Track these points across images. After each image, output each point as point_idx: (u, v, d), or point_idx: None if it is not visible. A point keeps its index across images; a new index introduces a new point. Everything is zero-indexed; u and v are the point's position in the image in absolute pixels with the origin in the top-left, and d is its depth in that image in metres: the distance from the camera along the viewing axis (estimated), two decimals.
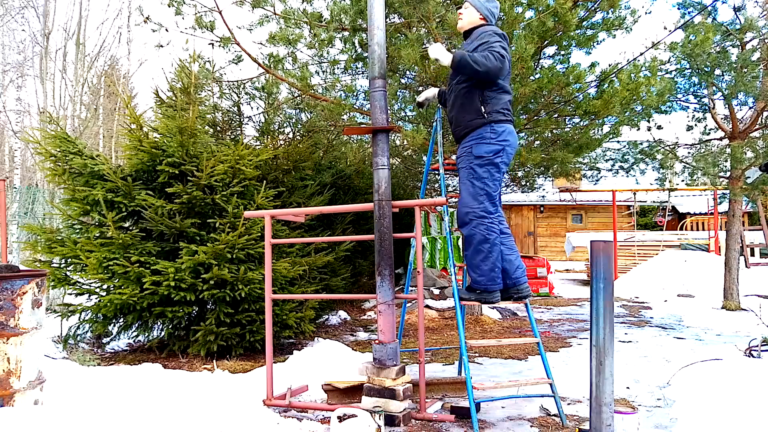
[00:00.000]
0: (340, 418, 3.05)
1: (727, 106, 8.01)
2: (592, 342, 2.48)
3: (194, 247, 5.06)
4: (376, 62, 3.41)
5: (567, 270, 18.10)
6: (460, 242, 9.78)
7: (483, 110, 3.42)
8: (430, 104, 4.13)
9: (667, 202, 18.72)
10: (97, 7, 49.40)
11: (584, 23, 6.37)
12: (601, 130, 7.09)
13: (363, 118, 7.95)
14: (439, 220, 13.07)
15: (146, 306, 5.05)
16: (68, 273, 5.36)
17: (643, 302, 9.79)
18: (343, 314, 8.03)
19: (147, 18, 6.90)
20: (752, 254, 13.96)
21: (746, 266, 12.07)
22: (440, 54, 3.43)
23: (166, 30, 7.02)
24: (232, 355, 5.27)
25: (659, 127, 8.69)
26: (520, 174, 10.41)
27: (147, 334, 5.54)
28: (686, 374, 4.17)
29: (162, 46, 7.22)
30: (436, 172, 4.27)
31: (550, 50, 6.86)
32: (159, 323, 5.51)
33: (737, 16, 7.66)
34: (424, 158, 7.56)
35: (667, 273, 11.35)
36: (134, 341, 6.05)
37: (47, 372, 3.42)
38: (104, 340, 5.76)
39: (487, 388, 3.40)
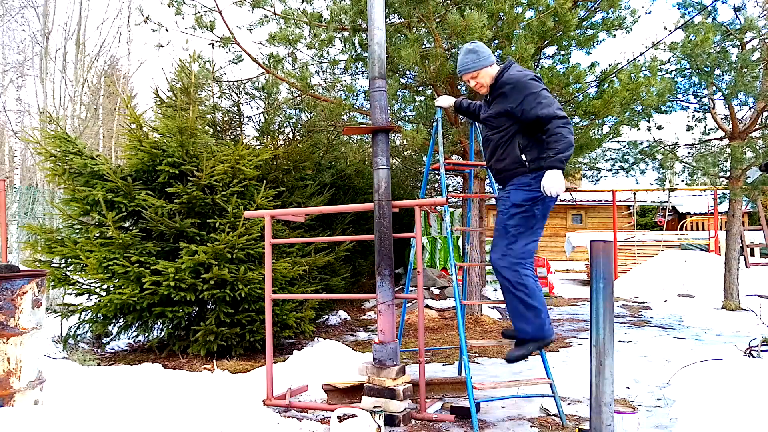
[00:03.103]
0: (340, 418, 3.05)
1: (727, 106, 8.01)
2: (592, 342, 2.48)
3: (194, 247, 5.06)
4: (376, 62, 3.41)
5: (567, 270, 18.09)
6: (460, 242, 9.80)
7: (524, 159, 3.22)
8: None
9: (667, 202, 18.72)
10: (97, 7, 49.38)
11: (584, 23, 6.37)
12: (601, 130, 7.09)
13: (363, 118, 7.95)
14: (439, 220, 13.09)
15: (146, 306, 5.05)
16: (68, 273, 5.36)
17: (643, 302, 9.78)
18: (343, 314, 8.03)
19: (147, 18, 6.90)
20: (752, 254, 13.96)
21: (746, 266, 12.07)
22: (559, 180, 3.06)
23: (166, 30, 7.02)
24: (232, 355, 5.27)
25: (659, 127, 8.69)
26: None
27: (147, 334, 5.54)
28: (686, 374, 4.17)
29: (162, 46, 7.21)
30: (436, 172, 4.27)
31: (550, 50, 6.86)
32: (159, 323, 5.50)
33: (737, 16, 7.66)
34: (424, 158, 7.56)
35: (667, 273, 11.34)
36: (134, 341, 6.05)
37: (47, 372, 3.42)
38: (104, 340, 5.76)
39: (487, 388, 3.40)
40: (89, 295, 5.35)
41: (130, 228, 5.67)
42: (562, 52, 6.90)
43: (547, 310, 3.32)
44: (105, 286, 5.27)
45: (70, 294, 5.55)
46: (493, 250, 3.32)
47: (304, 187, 7.10)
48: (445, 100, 3.96)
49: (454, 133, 6.62)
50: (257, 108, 8.38)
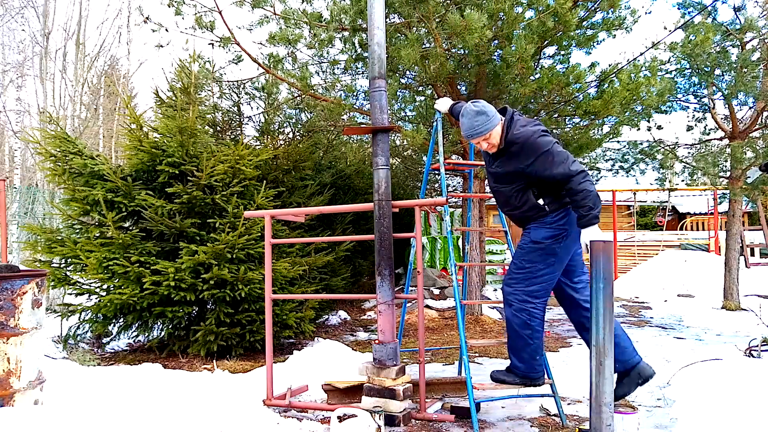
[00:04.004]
0: (340, 418, 3.05)
1: (727, 106, 8.01)
2: (592, 342, 2.48)
3: (194, 247, 5.06)
4: (376, 62, 3.41)
5: None
6: (460, 242, 9.80)
7: (542, 203, 3.14)
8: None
9: (667, 202, 18.72)
10: (97, 7, 49.31)
11: (584, 23, 6.37)
12: (601, 130, 7.09)
13: (363, 118, 7.95)
14: (439, 220, 13.10)
15: (146, 306, 5.05)
16: (68, 273, 5.36)
17: (643, 302, 9.78)
18: (343, 314, 8.03)
19: (147, 18, 6.90)
20: (752, 254, 13.97)
21: (746, 266, 12.08)
22: (596, 231, 2.95)
23: (166, 30, 7.02)
24: (232, 355, 5.27)
25: (659, 127, 8.70)
26: None
27: (147, 334, 5.54)
28: (686, 374, 4.17)
29: (162, 46, 7.22)
30: (436, 172, 4.26)
31: (550, 50, 6.86)
32: (159, 323, 5.50)
33: (737, 16, 7.66)
34: (424, 158, 7.56)
35: (667, 273, 11.34)
36: (134, 341, 6.05)
37: (47, 372, 3.42)
38: (104, 340, 5.76)
39: (487, 388, 3.40)
40: (89, 295, 5.35)
41: (130, 228, 5.68)
42: (562, 52, 6.90)
43: (544, 352, 3.29)
44: (105, 286, 5.27)
45: (70, 294, 5.55)
46: (508, 281, 3.25)
47: (304, 187, 7.10)
48: (443, 104, 3.88)
49: (454, 133, 6.62)
50: (257, 108, 8.38)
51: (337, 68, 7.86)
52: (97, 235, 5.35)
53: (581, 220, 2.96)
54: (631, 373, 3.20)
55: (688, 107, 8.70)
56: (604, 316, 2.46)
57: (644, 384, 3.19)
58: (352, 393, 3.75)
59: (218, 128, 7.81)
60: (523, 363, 3.23)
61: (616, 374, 3.22)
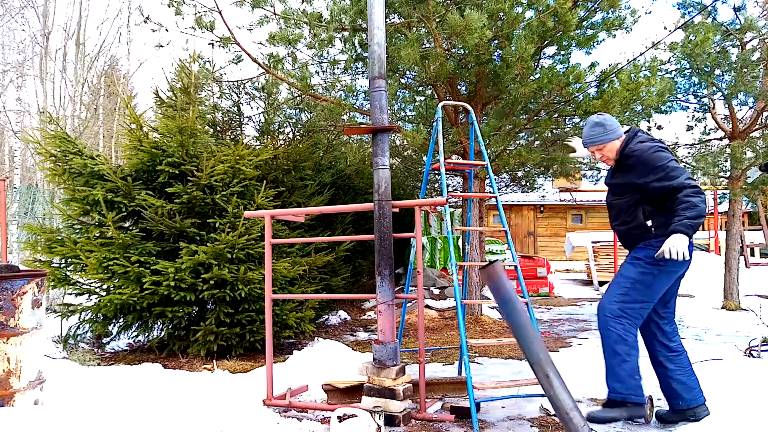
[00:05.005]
0: (340, 418, 3.05)
1: (727, 106, 8.01)
2: (530, 361, 2.44)
3: (194, 247, 5.06)
4: (376, 62, 3.41)
5: (567, 270, 18.08)
6: (460, 242, 9.80)
7: (649, 225, 3.18)
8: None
9: None
10: (97, 7, 49.32)
11: (584, 23, 6.37)
12: None
13: (363, 118, 7.95)
14: (439, 220, 13.10)
15: (146, 306, 5.05)
16: (68, 273, 5.36)
17: None
18: (343, 314, 8.03)
19: (147, 18, 6.90)
20: (752, 254, 13.97)
21: (746, 266, 12.08)
22: (682, 243, 2.93)
23: (166, 30, 7.01)
24: (232, 355, 5.27)
25: (659, 127, 8.69)
26: (520, 174, 10.42)
27: (147, 334, 5.54)
28: None
29: (162, 46, 7.21)
30: (437, 172, 4.27)
31: (550, 50, 6.86)
32: (159, 323, 5.51)
33: (737, 16, 7.66)
34: (424, 158, 7.56)
35: None
36: (134, 341, 6.05)
37: (47, 372, 3.42)
38: (104, 340, 5.76)
39: (487, 388, 3.40)
40: (89, 295, 5.35)
41: (130, 228, 5.67)
42: (562, 52, 6.90)
43: (640, 375, 3.16)
44: (105, 286, 5.27)
45: (70, 294, 5.55)
46: (606, 297, 3.27)
47: (304, 187, 7.10)
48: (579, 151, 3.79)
49: (454, 133, 6.62)
50: (257, 108, 8.38)
51: (337, 68, 7.86)
52: (97, 235, 5.35)
53: (674, 224, 2.96)
54: (686, 412, 3.24)
55: (688, 107, 8.70)
56: (529, 334, 2.43)
57: (693, 422, 3.19)
58: (352, 393, 3.75)
59: (218, 128, 7.80)
60: (621, 383, 3.12)
61: (674, 408, 3.26)
